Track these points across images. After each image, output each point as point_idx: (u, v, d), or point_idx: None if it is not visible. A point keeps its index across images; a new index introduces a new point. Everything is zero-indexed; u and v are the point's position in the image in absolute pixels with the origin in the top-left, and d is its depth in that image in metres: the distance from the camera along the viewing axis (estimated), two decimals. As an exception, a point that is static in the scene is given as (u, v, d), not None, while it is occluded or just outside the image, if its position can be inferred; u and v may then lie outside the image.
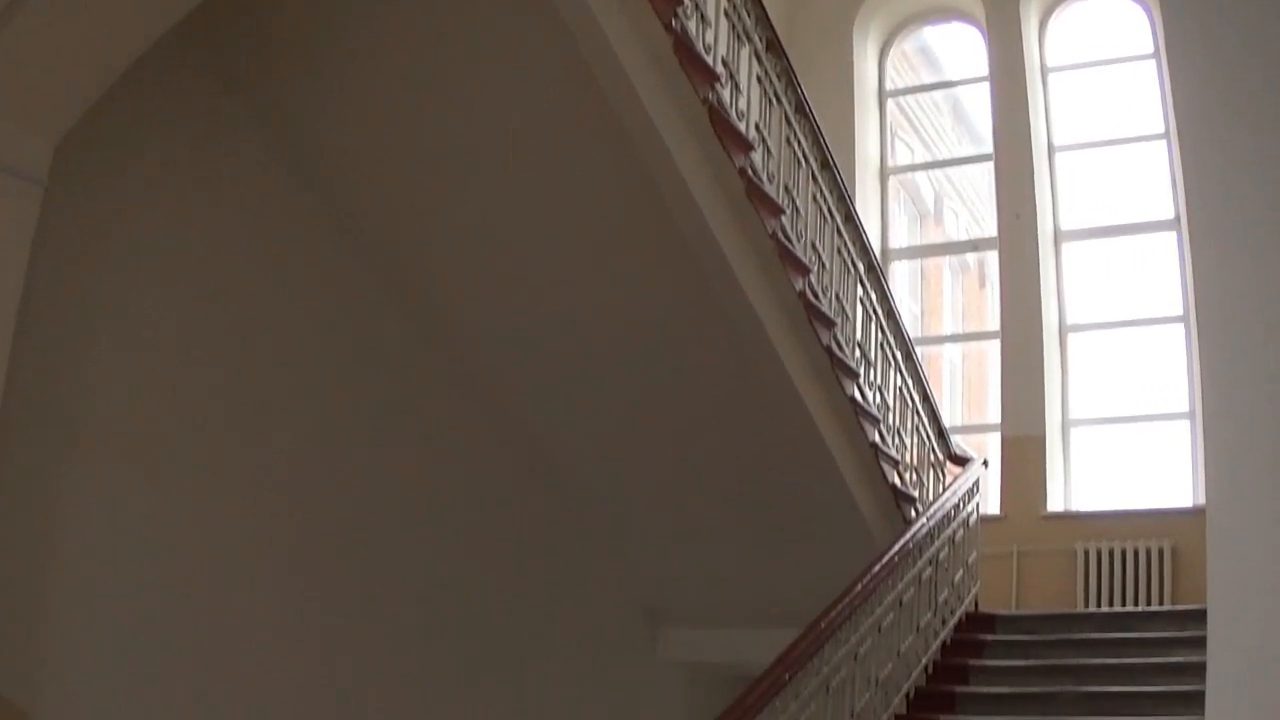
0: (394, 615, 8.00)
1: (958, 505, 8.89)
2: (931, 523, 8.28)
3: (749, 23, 7.25)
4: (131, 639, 6.51)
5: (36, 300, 5.77)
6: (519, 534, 8.99)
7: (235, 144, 7.16)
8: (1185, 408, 12.15)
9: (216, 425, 7.00)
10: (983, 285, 14.99)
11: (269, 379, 7.33)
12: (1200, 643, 7.55)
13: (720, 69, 6.80)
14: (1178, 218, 12.08)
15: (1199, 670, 7.20)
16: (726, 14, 6.99)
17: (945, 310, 15.87)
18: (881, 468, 8.53)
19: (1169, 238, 12.48)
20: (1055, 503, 12.07)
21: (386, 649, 7.92)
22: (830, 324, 7.93)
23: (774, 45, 7.54)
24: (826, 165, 8.19)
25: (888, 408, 8.98)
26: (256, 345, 7.26)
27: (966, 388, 15.11)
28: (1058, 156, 12.99)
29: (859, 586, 7.11)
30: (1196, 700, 6.94)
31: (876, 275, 8.88)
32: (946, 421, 10.10)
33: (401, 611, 8.06)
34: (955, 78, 15.77)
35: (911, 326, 10.04)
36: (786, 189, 7.59)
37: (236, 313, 7.15)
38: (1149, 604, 11.14)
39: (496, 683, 8.70)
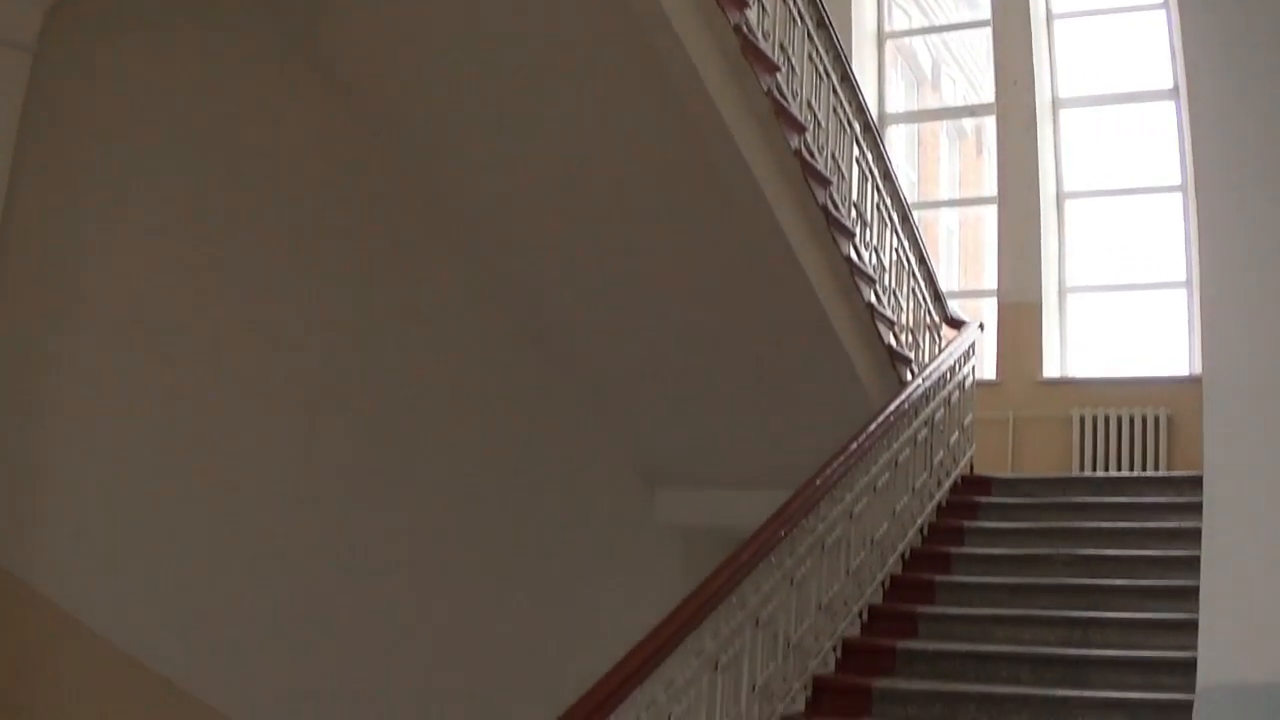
0: (393, 485, 7.98)
1: (954, 367, 8.82)
2: (927, 384, 8.21)
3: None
4: (129, 506, 6.49)
5: (33, 168, 5.69)
6: (516, 401, 8.94)
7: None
8: (1182, 277, 12.08)
9: (217, 294, 6.93)
10: (980, 153, 14.81)
11: (269, 247, 7.24)
12: (1196, 509, 7.55)
13: (715, -75, 6.62)
14: (1176, 88, 11.94)
15: (1194, 535, 7.19)
16: None
17: (942, 177, 15.72)
18: (878, 328, 8.46)
19: (1168, 107, 12.31)
20: (1051, 369, 12.03)
21: (386, 520, 7.89)
22: (826, 183, 7.82)
23: (769, -99, 7.35)
24: (822, 24, 8.03)
25: (884, 269, 8.90)
26: (256, 213, 7.16)
27: (963, 256, 15.00)
28: (1056, 24, 12.76)
29: (854, 445, 7.05)
30: (1191, 565, 6.95)
31: (873, 135, 8.75)
32: (943, 287, 10.01)
33: (400, 481, 8.04)
34: (954, -59, 15.49)
35: (908, 193, 9.90)
36: (782, 47, 7.44)
37: (237, 180, 7.05)
38: (1144, 470, 11.13)
39: (495, 550, 8.70)
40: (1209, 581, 3.19)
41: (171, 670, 6.58)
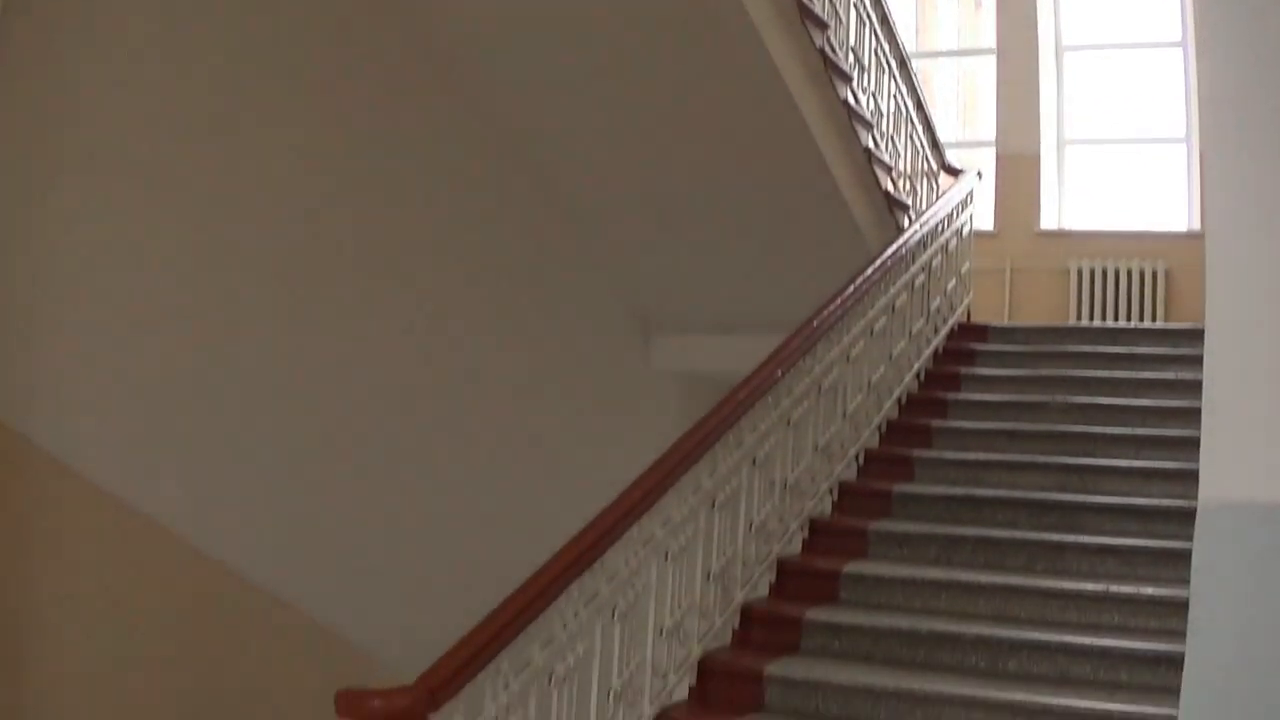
0: (392, 328, 7.90)
1: (951, 214, 8.71)
2: (925, 229, 8.11)
3: None
4: (128, 352, 6.41)
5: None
6: (514, 246, 8.86)
7: None
8: (1181, 133, 11.99)
9: (208, 130, 6.76)
10: (979, 6, 14.59)
11: (263, 83, 7.05)
12: (1192, 360, 7.56)
13: None
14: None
15: (1190, 387, 7.22)
16: None
17: (940, 29, 15.46)
18: (875, 174, 8.38)
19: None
20: (1049, 221, 11.97)
21: (386, 361, 7.84)
22: (823, 25, 7.72)
23: None
24: None
25: (882, 114, 8.81)
26: (248, 50, 6.96)
27: (962, 110, 14.83)
28: None
29: (852, 288, 6.96)
30: (1187, 416, 6.97)
31: (871, -20, 8.59)
32: (941, 139, 9.90)
33: (399, 324, 7.95)
34: None
35: (907, 46, 9.75)
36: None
37: (227, 17, 6.83)
38: (1141, 322, 11.10)
39: (493, 398, 8.66)
40: (1211, 401, 3.15)
41: (167, 515, 6.55)
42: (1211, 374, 3.14)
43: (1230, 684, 2.97)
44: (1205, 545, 3.02)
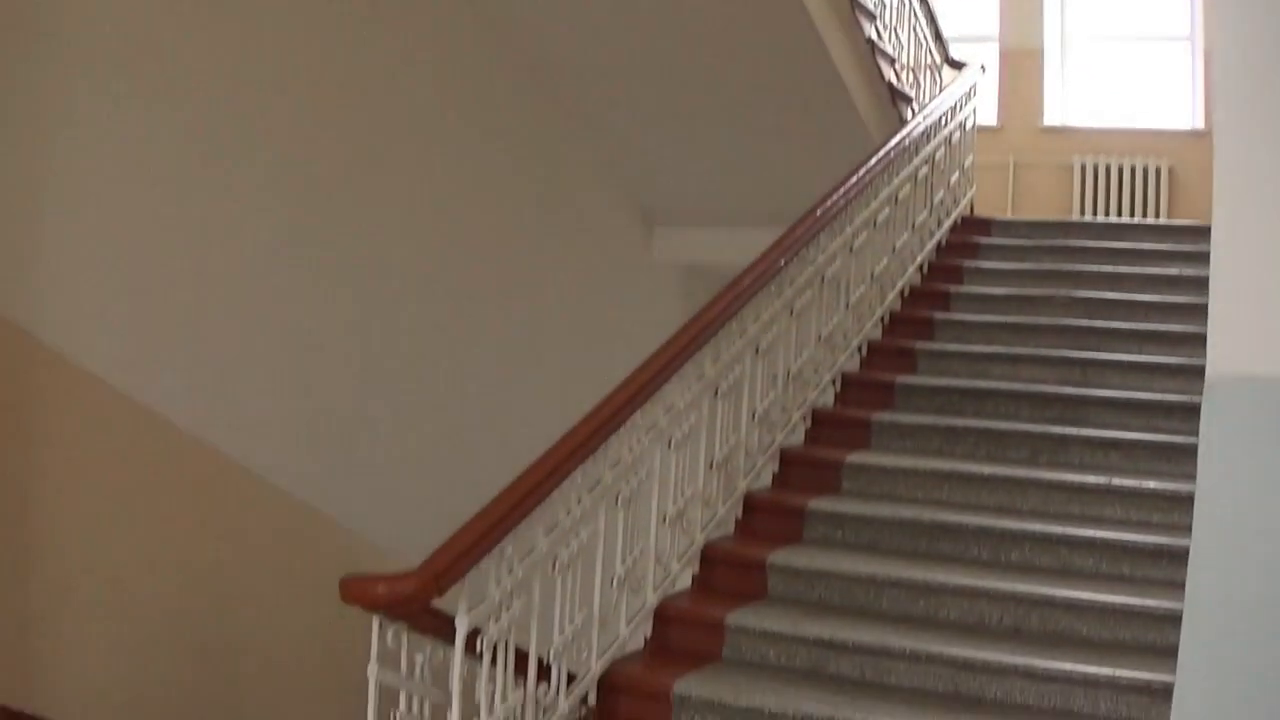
0: (393, 220, 7.81)
1: (955, 107, 8.60)
2: (928, 121, 8.00)
3: None
4: (129, 245, 6.34)
5: None
6: (517, 138, 8.75)
7: None
8: (1185, 30, 11.88)
9: (211, 20, 6.64)
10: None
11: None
12: (1195, 257, 7.52)
13: None
14: None
15: (1193, 283, 7.20)
16: None
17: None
18: (879, 65, 8.29)
19: None
20: (1053, 116, 11.87)
21: (387, 253, 7.77)
22: (827, -86, 7.58)
23: None
24: None
25: (885, 6, 8.69)
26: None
27: (965, 3, 14.67)
28: None
29: (855, 179, 6.88)
30: (1190, 312, 6.96)
31: None
32: (945, 32, 9.78)
33: (399, 216, 7.87)
34: None
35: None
36: None
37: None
38: (1144, 219, 11.05)
39: (494, 289, 8.59)
40: (1220, 272, 3.11)
41: (167, 406, 6.52)
42: (1220, 246, 3.10)
43: (1237, 551, 2.96)
44: (1212, 419, 2.99)
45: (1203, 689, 2.99)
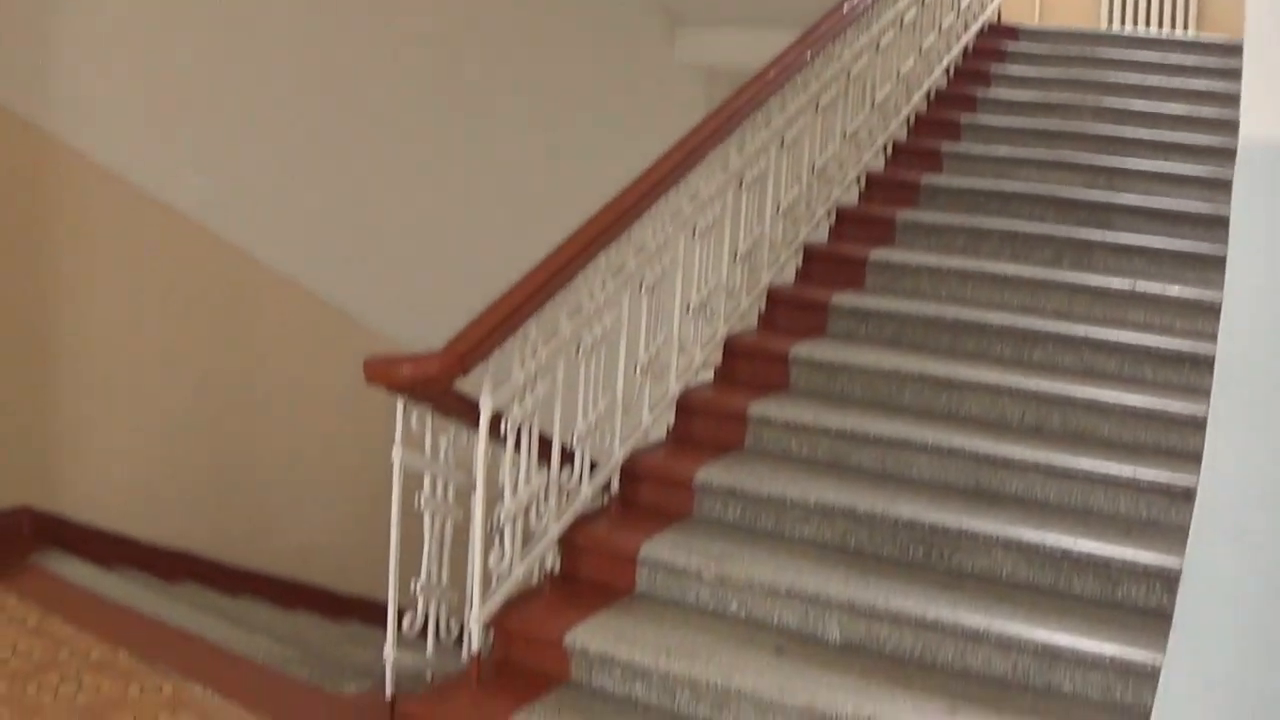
0: (411, 22, 7.69)
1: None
2: (954, -80, 7.81)
3: None
4: (146, 44, 6.34)
5: None
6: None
7: None
8: None
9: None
10: None
11: None
12: (1224, 72, 7.41)
13: None
14: None
15: (1221, 97, 7.12)
16: None
17: None
18: None
19: None
20: (1082, -75, 11.59)
21: (406, 51, 7.68)
22: None
23: None
24: None
25: None
26: None
27: None
28: None
29: (881, -22, 6.73)
30: (1217, 125, 6.89)
31: None
32: None
33: (418, 16, 7.73)
34: None
35: None
36: None
37: None
38: (1173, 33, 10.86)
39: (515, 89, 8.46)
40: (1254, 45, 3.04)
41: (185, 202, 6.48)
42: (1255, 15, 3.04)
43: (1267, 316, 2.93)
44: (1244, 182, 2.95)
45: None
